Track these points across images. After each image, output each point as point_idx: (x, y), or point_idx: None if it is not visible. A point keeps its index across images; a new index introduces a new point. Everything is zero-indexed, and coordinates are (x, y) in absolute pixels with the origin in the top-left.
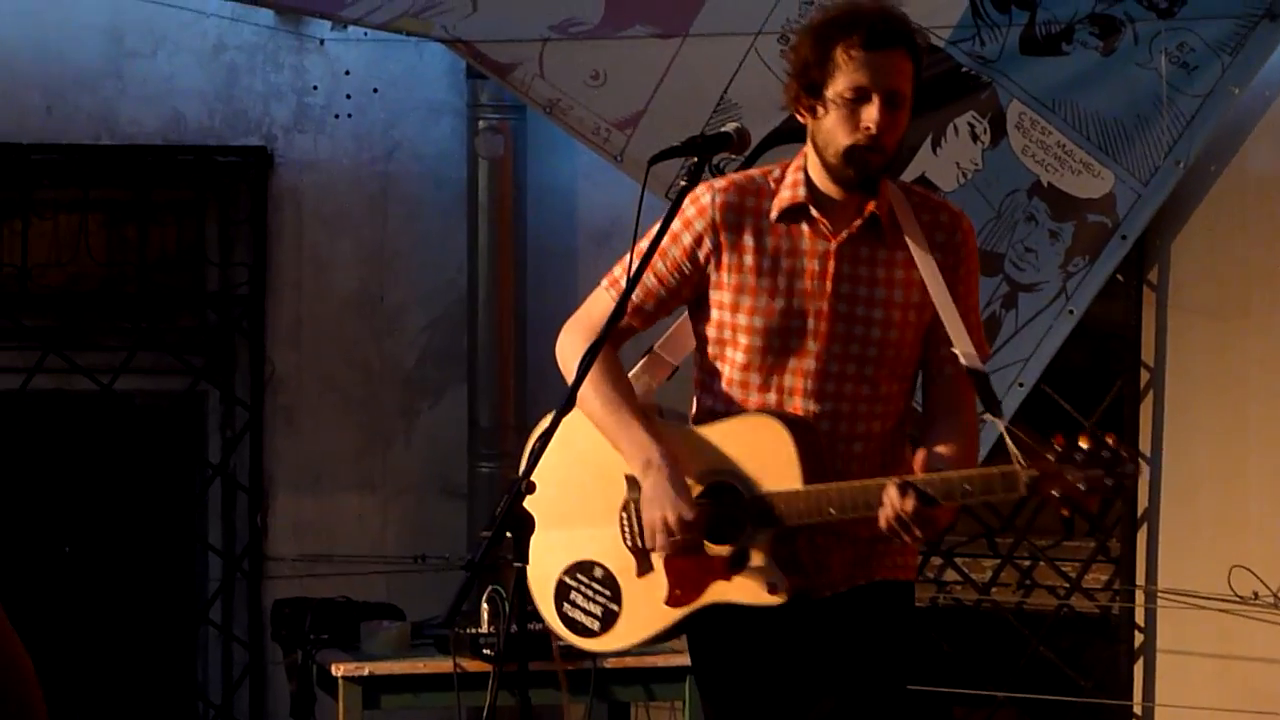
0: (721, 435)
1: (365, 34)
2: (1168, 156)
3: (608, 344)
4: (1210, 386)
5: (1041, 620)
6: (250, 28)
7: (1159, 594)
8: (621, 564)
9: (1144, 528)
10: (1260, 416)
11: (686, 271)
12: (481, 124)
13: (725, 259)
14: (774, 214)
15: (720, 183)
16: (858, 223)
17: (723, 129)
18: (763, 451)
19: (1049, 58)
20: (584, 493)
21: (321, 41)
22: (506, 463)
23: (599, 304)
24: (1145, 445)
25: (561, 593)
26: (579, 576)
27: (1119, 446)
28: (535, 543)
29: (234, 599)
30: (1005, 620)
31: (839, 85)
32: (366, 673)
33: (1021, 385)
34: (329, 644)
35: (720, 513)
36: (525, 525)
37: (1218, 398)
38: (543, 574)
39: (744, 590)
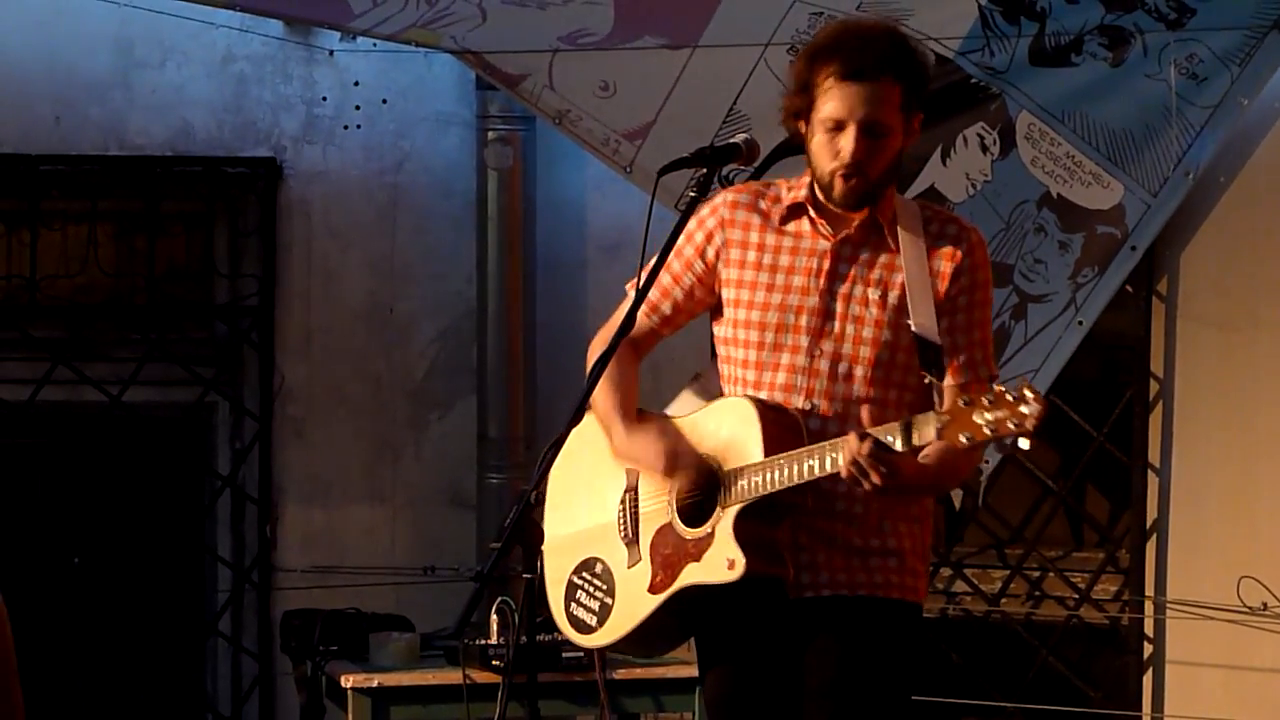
0: (700, 420)
1: (374, 45)
2: (1177, 167)
3: (628, 345)
4: (1219, 397)
5: (1051, 631)
6: (259, 39)
7: (1168, 605)
8: (617, 557)
9: (1153, 538)
10: (1269, 427)
11: (698, 270)
12: (491, 135)
13: (732, 255)
14: (778, 217)
15: (736, 186)
16: (856, 222)
17: (732, 140)
18: (731, 430)
19: (1058, 69)
20: (588, 491)
21: (331, 52)
22: (515, 474)
23: (622, 310)
24: (1154, 456)
25: (570, 593)
26: (584, 574)
27: (1024, 387)
28: (547, 547)
29: (243, 610)
30: (1014, 631)
31: (821, 112)
32: (376, 684)
33: None
34: (338, 655)
35: (695, 497)
36: (534, 537)
37: (1227, 408)
38: (554, 578)
39: (708, 569)
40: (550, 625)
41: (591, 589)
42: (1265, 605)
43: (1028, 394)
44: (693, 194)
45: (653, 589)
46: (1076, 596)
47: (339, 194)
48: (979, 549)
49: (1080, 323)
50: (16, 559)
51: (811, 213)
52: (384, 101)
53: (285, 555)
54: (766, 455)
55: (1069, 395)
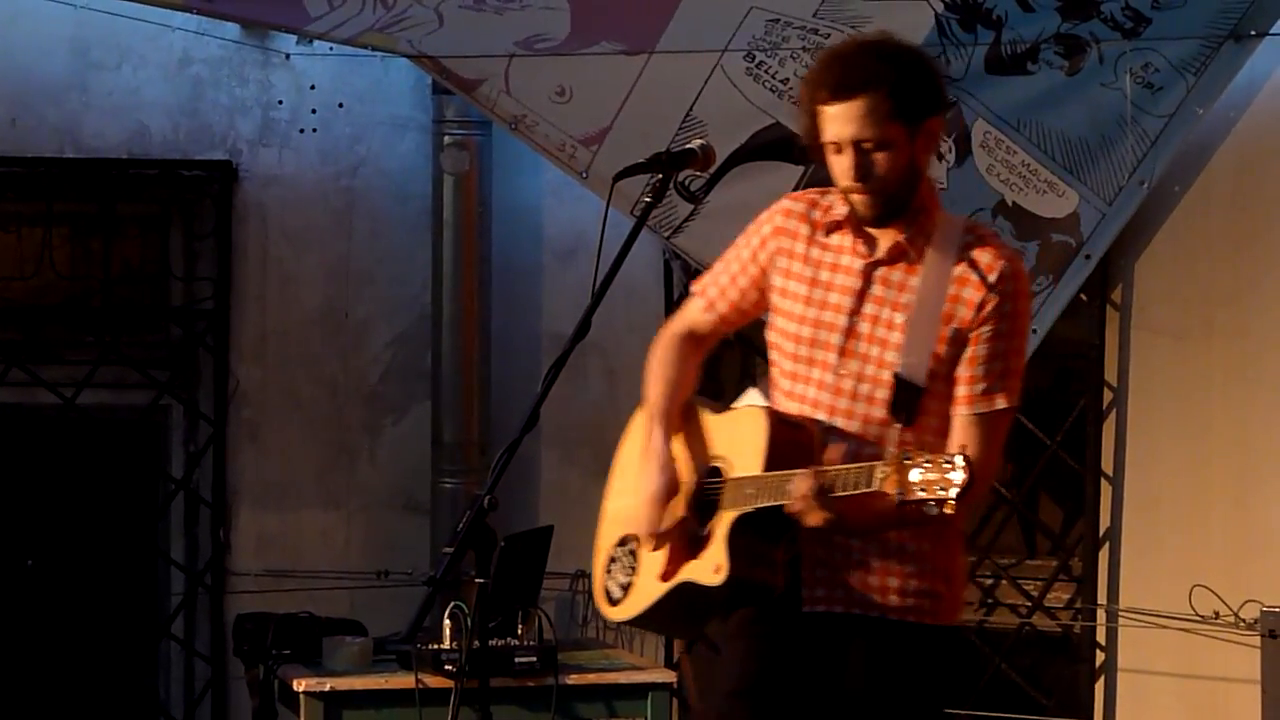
0: (724, 422)
1: (331, 48)
2: (1132, 176)
3: (689, 338)
4: (1173, 406)
5: (1003, 639)
6: (216, 41)
7: (1120, 613)
8: (645, 538)
9: (1106, 547)
10: (1223, 436)
11: (751, 273)
12: (447, 139)
13: (779, 264)
14: (824, 229)
15: (794, 194)
16: (888, 247)
17: (688, 146)
18: (742, 439)
19: (1014, 77)
20: (636, 470)
21: (287, 56)
22: (470, 479)
23: (684, 310)
24: (1108, 464)
25: (608, 565)
26: (620, 549)
27: (959, 455)
28: (605, 516)
29: (196, 614)
30: (967, 639)
31: (823, 137)
32: (328, 688)
33: None
34: (291, 659)
35: (705, 495)
36: (488, 541)
37: (1181, 417)
38: (601, 546)
39: (700, 570)
40: (503, 630)
41: (624, 564)
42: (1217, 614)
43: (959, 462)
44: (648, 199)
45: (662, 577)
46: (1029, 604)
47: (295, 198)
48: None
49: (1034, 331)
50: None
51: (850, 230)
52: (340, 105)
53: (239, 559)
54: (766, 470)
55: (1023, 403)
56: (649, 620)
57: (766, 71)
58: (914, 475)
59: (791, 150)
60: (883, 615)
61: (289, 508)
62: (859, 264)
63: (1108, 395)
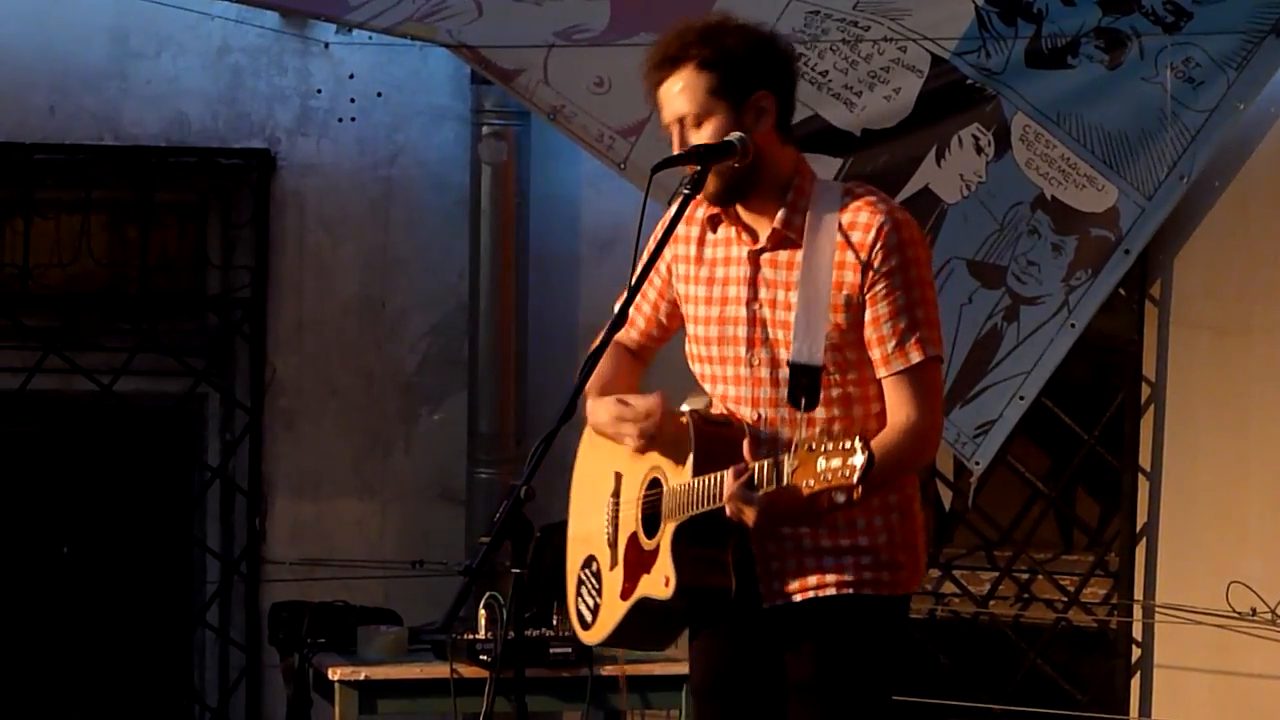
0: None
1: (370, 38)
2: (1171, 171)
3: (621, 349)
4: (1211, 402)
5: (1039, 634)
6: (255, 30)
7: (1157, 609)
8: (605, 558)
9: (1143, 542)
10: (1261, 432)
11: (657, 285)
12: (485, 130)
13: (680, 271)
14: (710, 227)
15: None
16: (767, 235)
17: (726, 138)
18: (675, 447)
19: (1054, 71)
20: (594, 487)
21: (326, 45)
22: (506, 469)
23: (608, 327)
24: (1145, 460)
25: (577, 587)
26: (585, 571)
27: (856, 439)
28: (569, 536)
29: (231, 602)
30: (1003, 633)
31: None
32: (363, 677)
33: (1022, 398)
34: (326, 648)
35: (649, 508)
36: (524, 532)
37: (1218, 413)
38: (570, 569)
39: (652, 584)
40: (538, 620)
41: (590, 586)
42: (1254, 611)
43: (858, 445)
44: (686, 191)
45: (622, 595)
46: (1065, 599)
47: (332, 187)
48: (968, 550)
49: (1073, 325)
50: (6, 547)
51: (729, 220)
52: (379, 95)
53: (274, 547)
54: (696, 474)
55: (1060, 397)
56: (621, 638)
57: (806, 64)
58: (820, 464)
59: (831, 142)
60: (842, 593)
61: (324, 497)
62: (745, 251)
63: (1146, 390)
